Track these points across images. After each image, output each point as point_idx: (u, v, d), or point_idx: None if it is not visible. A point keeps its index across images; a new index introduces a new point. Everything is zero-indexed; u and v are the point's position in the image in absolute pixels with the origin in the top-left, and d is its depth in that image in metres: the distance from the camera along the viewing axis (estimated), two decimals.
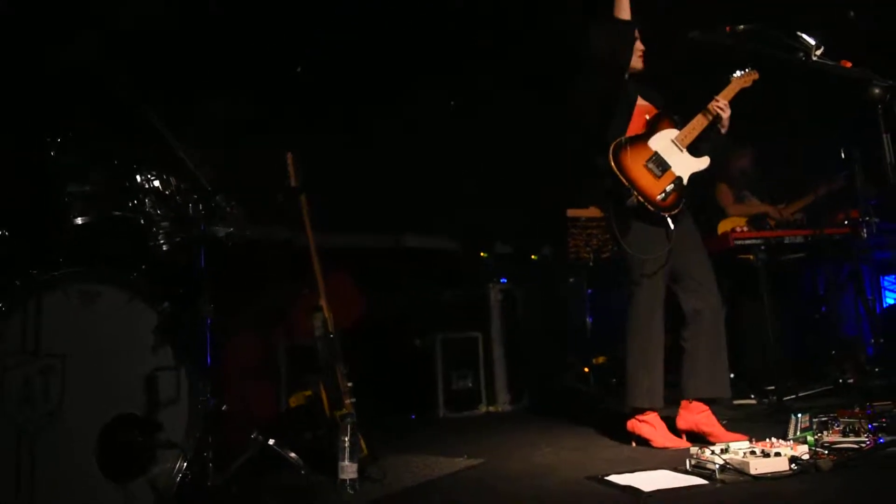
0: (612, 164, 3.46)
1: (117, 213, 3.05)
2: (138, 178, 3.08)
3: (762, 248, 4.99)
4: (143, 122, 3.06)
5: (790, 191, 5.83)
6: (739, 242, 4.97)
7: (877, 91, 3.07)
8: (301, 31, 5.65)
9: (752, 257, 4.98)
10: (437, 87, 6.63)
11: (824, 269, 5.56)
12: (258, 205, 3.58)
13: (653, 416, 3.55)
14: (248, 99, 4.93)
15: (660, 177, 3.50)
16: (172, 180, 3.16)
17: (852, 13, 6.80)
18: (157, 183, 3.11)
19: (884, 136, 3.05)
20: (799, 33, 3.41)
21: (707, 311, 3.58)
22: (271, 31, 5.39)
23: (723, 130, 3.69)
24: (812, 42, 3.39)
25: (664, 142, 3.59)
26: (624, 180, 3.44)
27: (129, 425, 2.84)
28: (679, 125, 3.67)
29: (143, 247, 3.10)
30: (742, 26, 3.48)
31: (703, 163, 3.63)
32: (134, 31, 3.99)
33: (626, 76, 3.71)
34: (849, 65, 3.30)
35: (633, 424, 3.60)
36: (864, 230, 5.12)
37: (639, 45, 3.70)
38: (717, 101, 3.66)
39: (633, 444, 3.57)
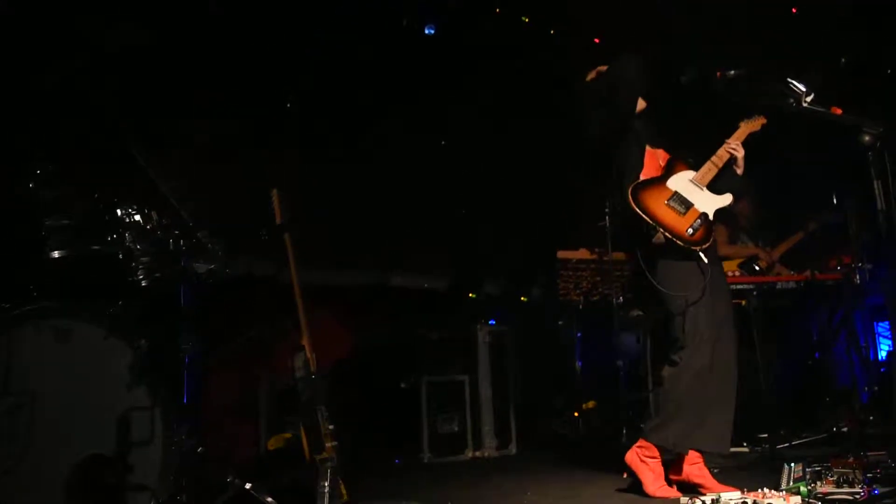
0: (633, 204, 3.43)
1: (96, 247, 2.99)
2: (119, 211, 3.03)
3: (754, 293, 4.94)
4: (124, 154, 3.01)
5: (780, 229, 5.82)
6: (731, 287, 4.92)
7: (867, 138, 3.05)
8: (287, 68, 5.67)
9: (744, 302, 4.93)
10: (426, 128, 6.66)
11: (818, 314, 5.51)
12: (242, 241, 3.53)
13: (655, 461, 3.46)
14: (232, 132, 4.91)
15: (684, 214, 3.46)
16: (154, 214, 3.10)
17: (844, 59, 6.89)
18: (137, 217, 3.06)
19: (875, 182, 3.02)
20: (789, 80, 3.41)
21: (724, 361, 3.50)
22: (256, 65, 5.39)
23: (738, 171, 3.67)
24: (803, 88, 3.39)
25: (682, 182, 3.56)
26: (647, 218, 3.40)
27: (99, 466, 2.74)
28: (694, 167, 3.65)
29: (122, 282, 3.03)
30: (733, 72, 3.49)
31: (727, 199, 3.59)
32: (116, 57, 3.98)
33: (636, 120, 3.71)
34: (839, 111, 3.29)
35: (632, 458, 3.51)
36: (857, 276, 5.10)
37: None
38: (729, 143, 3.66)
39: (624, 475, 3.51)
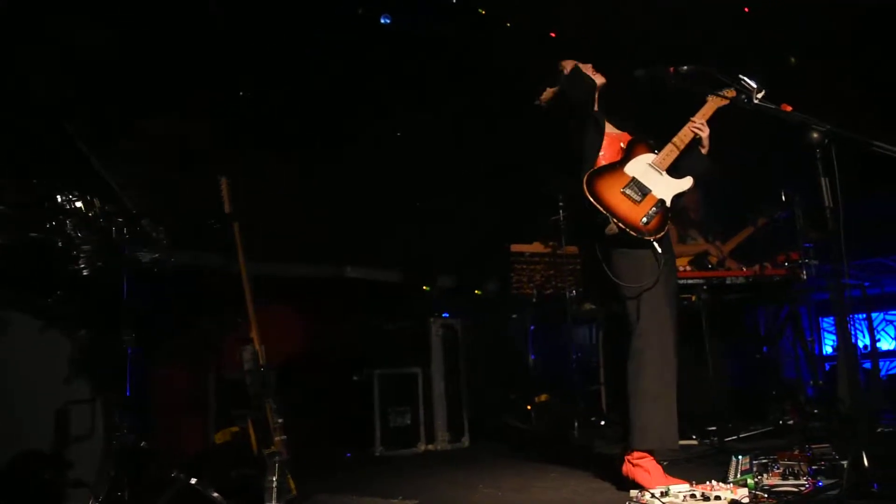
0: (587, 194, 3.36)
1: (34, 234, 2.87)
2: (59, 198, 2.92)
3: (704, 287, 5.00)
4: (66, 141, 2.90)
5: (729, 224, 5.89)
6: (682, 282, 4.98)
7: (815, 135, 3.08)
8: (243, 60, 5.56)
9: (693, 297, 4.99)
10: (381, 121, 6.61)
11: (765, 310, 5.60)
12: (190, 230, 3.44)
13: (648, 460, 3.35)
14: (184, 121, 4.80)
15: (640, 202, 3.41)
16: (96, 201, 2.99)
17: (793, 59, 7.02)
18: (79, 204, 2.95)
19: (822, 180, 3.05)
20: (741, 76, 3.44)
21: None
22: (212, 55, 5.28)
23: (703, 150, 3.62)
24: (754, 85, 3.42)
25: (641, 166, 3.50)
26: (601, 208, 3.34)
27: (35, 463, 2.63)
28: (656, 149, 3.59)
29: (62, 271, 2.92)
30: (685, 67, 3.50)
31: (686, 183, 3.54)
32: (65, 47, 3.84)
33: (595, 106, 3.67)
34: (789, 108, 3.33)
35: (627, 469, 3.39)
36: (804, 272, 5.20)
37: (587, 66, 3.67)
38: (694, 121, 3.60)
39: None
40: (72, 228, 2.93)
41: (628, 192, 3.43)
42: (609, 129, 3.66)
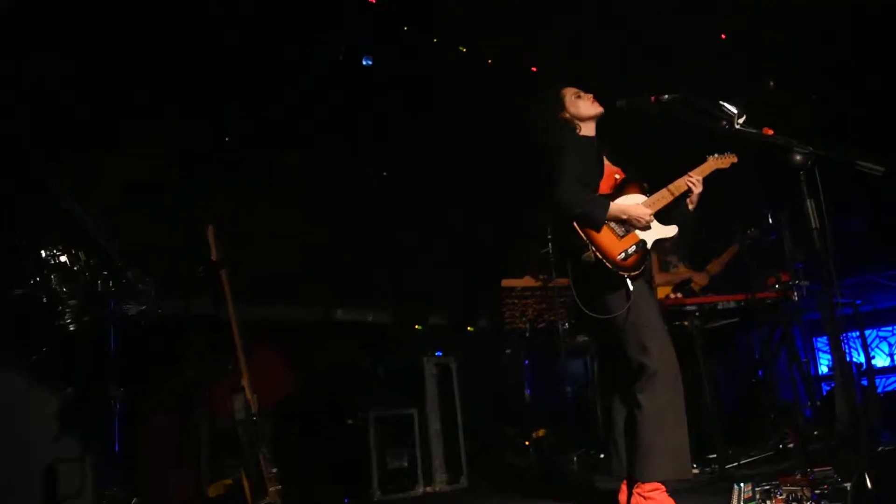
0: (574, 217, 3.35)
1: (18, 291, 2.84)
2: (43, 252, 2.89)
3: (696, 313, 4.99)
4: (46, 193, 2.88)
5: (712, 246, 5.88)
6: (674, 309, 4.97)
7: (798, 158, 3.10)
8: (222, 101, 5.58)
9: (686, 323, 4.97)
10: (367, 162, 6.63)
11: (759, 332, 5.60)
12: (177, 279, 3.41)
13: (660, 492, 3.26)
14: (170, 166, 4.79)
15: (622, 237, 3.41)
16: (81, 255, 2.97)
17: (772, 82, 7.11)
18: (63, 258, 2.92)
19: (807, 201, 3.06)
20: (722, 102, 3.46)
21: None
22: (190, 98, 5.29)
23: (691, 206, 3.63)
24: (735, 110, 3.45)
25: (630, 205, 3.49)
26: (582, 235, 3.34)
27: None
28: (648, 193, 3.59)
29: (48, 327, 2.88)
30: (667, 96, 3.52)
31: (671, 230, 3.54)
32: (33, 88, 3.83)
33: (595, 141, 3.65)
34: (771, 132, 3.35)
35: (637, 501, 3.28)
36: (795, 293, 5.21)
37: (585, 94, 3.65)
38: (691, 176, 3.61)
39: None
40: (57, 283, 2.90)
41: (612, 225, 3.42)
42: (605, 161, 3.65)
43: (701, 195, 3.63)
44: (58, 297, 2.89)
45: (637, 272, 3.38)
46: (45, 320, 2.87)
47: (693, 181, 3.59)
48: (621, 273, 3.33)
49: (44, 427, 2.72)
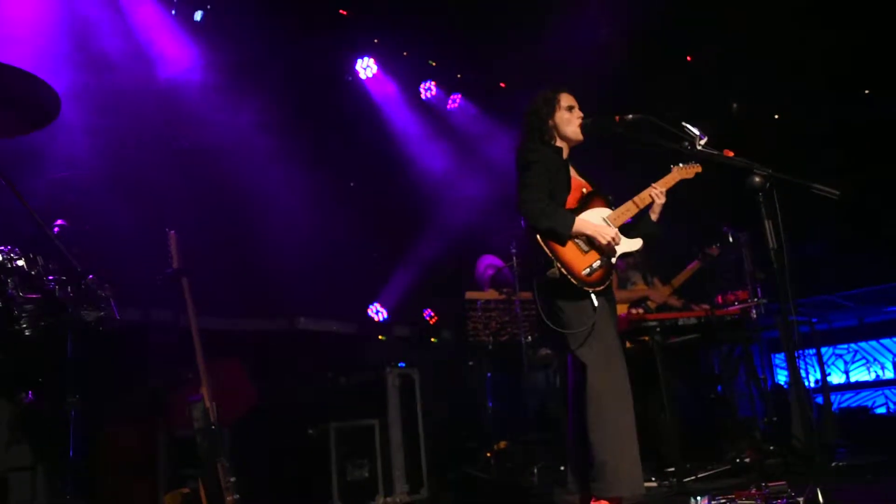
0: (538, 237, 3.38)
1: None
2: (0, 256, 2.83)
3: (657, 329, 5.04)
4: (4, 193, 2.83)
5: (673, 261, 5.94)
6: (635, 324, 5.02)
7: (757, 179, 3.17)
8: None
9: (647, 339, 5.02)
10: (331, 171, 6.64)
11: (718, 349, 5.67)
12: (137, 286, 3.37)
13: None
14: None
15: (587, 252, 3.43)
16: (39, 259, 2.92)
17: (735, 105, 7.26)
18: (21, 262, 2.86)
19: (766, 222, 3.13)
20: (684, 124, 3.53)
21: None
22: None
23: (653, 217, 3.66)
24: (696, 132, 3.52)
25: (595, 219, 3.50)
26: (547, 251, 3.35)
27: None
28: (613, 206, 3.61)
29: (3, 332, 2.82)
30: (631, 116, 3.58)
31: (636, 244, 3.57)
32: None
33: (566, 154, 3.67)
34: (731, 154, 3.42)
35: None
36: (754, 311, 5.30)
37: (576, 113, 3.66)
38: (655, 187, 3.63)
39: None
40: (14, 287, 2.84)
41: (578, 240, 3.44)
42: (573, 174, 3.67)
43: (665, 207, 3.66)
44: (14, 301, 2.83)
45: (602, 287, 3.42)
46: (1, 325, 2.81)
47: (657, 192, 3.62)
48: (586, 288, 3.36)
49: None
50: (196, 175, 5.55)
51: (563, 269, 3.34)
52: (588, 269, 3.40)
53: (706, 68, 7.33)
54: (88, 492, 2.96)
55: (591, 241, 3.46)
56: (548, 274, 3.35)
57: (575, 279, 3.35)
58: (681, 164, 3.76)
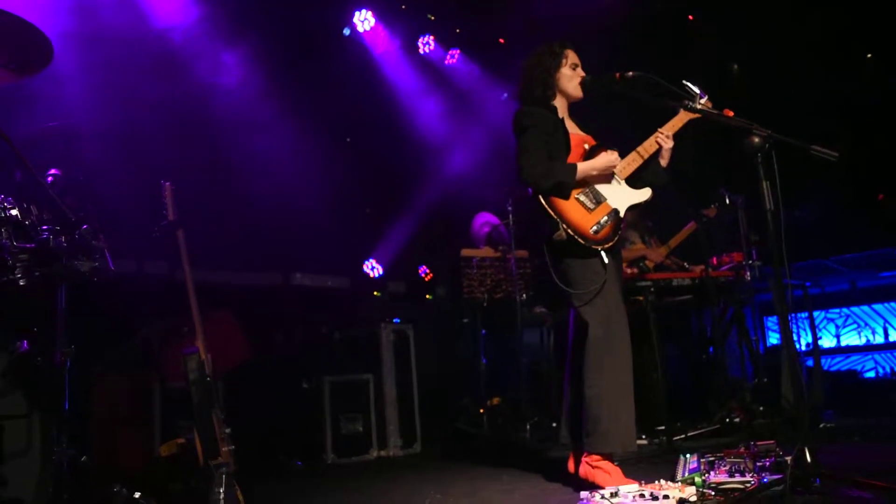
0: (541, 197, 3.35)
1: None
2: None
3: (651, 289, 5.06)
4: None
5: (670, 222, 5.94)
6: (629, 284, 5.04)
7: (756, 140, 3.14)
8: None
9: (641, 298, 5.05)
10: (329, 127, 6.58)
11: (711, 310, 5.70)
12: (132, 237, 3.35)
13: (607, 462, 3.33)
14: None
15: (593, 209, 3.39)
16: (33, 209, 2.89)
17: (735, 66, 7.19)
18: (14, 212, 2.84)
19: (763, 183, 3.11)
20: (685, 82, 3.49)
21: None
22: None
23: (663, 163, 3.59)
24: (697, 90, 3.48)
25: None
26: (552, 213, 3.33)
27: None
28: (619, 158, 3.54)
29: None
30: (631, 73, 3.53)
31: (644, 194, 3.54)
32: None
33: (564, 110, 3.62)
34: (731, 113, 3.39)
35: (585, 471, 3.36)
36: (748, 273, 5.32)
37: (579, 72, 3.61)
38: (661, 132, 3.56)
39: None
40: (7, 237, 2.82)
41: (582, 198, 3.40)
42: (573, 129, 3.62)
43: (674, 150, 3.59)
44: (8, 251, 2.82)
45: (612, 243, 3.40)
46: None
47: (663, 137, 3.56)
48: (595, 247, 3.34)
49: None
50: (192, 129, 5.49)
51: (569, 230, 3.31)
52: (596, 226, 3.37)
53: (707, 28, 7.25)
54: (84, 442, 2.97)
55: (597, 195, 3.43)
56: (554, 237, 3.32)
57: (583, 238, 3.33)
58: (689, 104, 3.63)
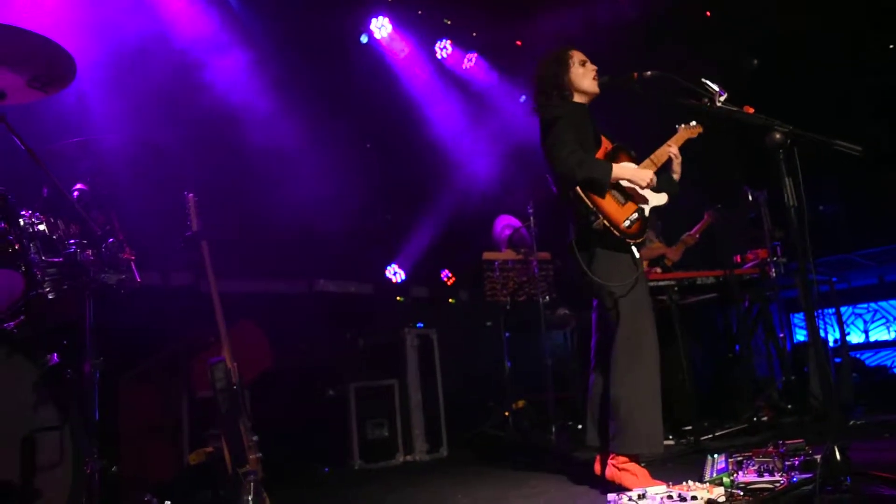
0: (578, 188, 3.34)
1: None
2: (21, 221, 2.86)
3: (675, 288, 5.03)
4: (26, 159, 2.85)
5: (685, 219, 5.91)
6: (653, 284, 5.01)
7: (778, 136, 3.12)
8: None
9: (664, 298, 5.02)
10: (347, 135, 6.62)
11: (737, 308, 5.66)
12: (157, 250, 3.39)
13: (634, 464, 3.33)
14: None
15: (623, 204, 3.43)
16: (60, 223, 2.95)
17: (756, 61, 7.12)
18: (42, 227, 2.89)
19: (785, 180, 3.09)
20: (704, 80, 3.47)
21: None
22: None
23: (675, 176, 3.65)
24: (716, 88, 3.46)
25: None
26: (590, 203, 3.33)
27: (2, 493, 2.57)
28: (636, 161, 3.59)
29: (26, 296, 2.86)
30: (649, 73, 3.52)
31: (662, 198, 3.58)
32: None
33: (586, 105, 3.63)
34: (751, 110, 3.36)
35: (611, 473, 3.36)
36: (773, 270, 5.27)
37: (590, 66, 3.62)
38: (671, 146, 3.64)
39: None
40: (35, 251, 2.87)
41: (615, 192, 3.43)
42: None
43: (681, 163, 3.66)
44: (37, 265, 2.87)
45: (641, 239, 3.42)
46: (25, 289, 2.85)
47: (673, 152, 3.63)
48: (627, 241, 3.36)
49: (22, 396, 2.70)
50: (214, 139, 5.56)
51: (605, 221, 3.31)
52: (628, 221, 3.39)
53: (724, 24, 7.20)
54: (114, 452, 3.01)
55: (625, 192, 3.45)
56: (594, 225, 3.30)
57: (618, 231, 3.34)
58: (684, 125, 3.77)
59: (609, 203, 3.40)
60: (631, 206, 3.46)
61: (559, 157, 3.37)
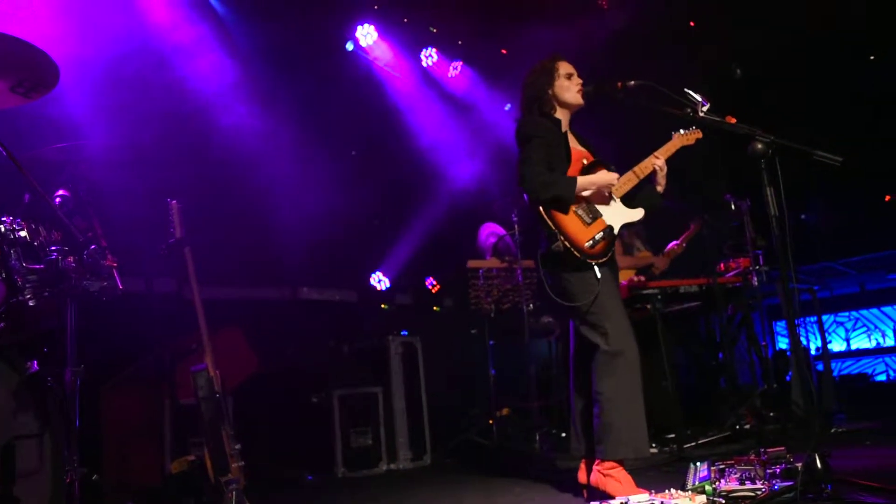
0: (541, 208, 3.38)
1: None
2: (2, 227, 2.84)
3: (658, 296, 5.06)
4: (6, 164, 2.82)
5: (672, 227, 5.94)
6: (636, 292, 5.04)
7: (760, 146, 3.15)
8: None
9: (649, 306, 5.04)
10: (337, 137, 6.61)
11: (719, 316, 5.70)
12: (139, 256, 3.37)
13: (619, 470, 3.33)
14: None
15: (589, 224, 3.43)
16: (41, 230, 2.92)
17: (739, 70, 7.19)
18: (23, 233, 2.87)
19: (767, 189, 3.12)
20: (687, 90, 3.50)
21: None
22: None
23: (659, 188, 3.64)
24: (699, 98, 3.49)
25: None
26: (551, 224, 3.36)
27: None
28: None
29: (7, 302, 2.84)
30: (633, 82, 3.55)
31: (637, 214, 3.58)
32: None
33: (566, 123, 3.65)
34: (733, 120, 3.40)
35: (596, 479, 3.37)
36: (755, 278, 5.31)
37: (575, 80, 3.63)
38: (657, 156, 3.62)
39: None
40: (16, 258, 2.84)
41: (580, 212, 3.44)
42: (574, 144, 3.66)
43: (666, 175, 3.65)
44: (17, 272, 2.84)
45: (604, 259, 3.43)
46: (5, 296, 2.82)
47: (659, 163, 3.61)
48: (589, 261, 3.37)
49: (2, 403, 2.68)
50: (198, 145, 5.54)
51: (566, 242, 3.34)
52: (591, 242, 3.40)
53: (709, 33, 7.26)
54: (95, 460, 2.98)
55: (593, 210, 3.46)
56: (552, 248, 3.35)
57: (578, 252, 3.36)
58: (682, 131, 3.75)
59: (573, 222, 3.41)
60: (598, 224, 3.45)
61: (525, 176, 3.43)
